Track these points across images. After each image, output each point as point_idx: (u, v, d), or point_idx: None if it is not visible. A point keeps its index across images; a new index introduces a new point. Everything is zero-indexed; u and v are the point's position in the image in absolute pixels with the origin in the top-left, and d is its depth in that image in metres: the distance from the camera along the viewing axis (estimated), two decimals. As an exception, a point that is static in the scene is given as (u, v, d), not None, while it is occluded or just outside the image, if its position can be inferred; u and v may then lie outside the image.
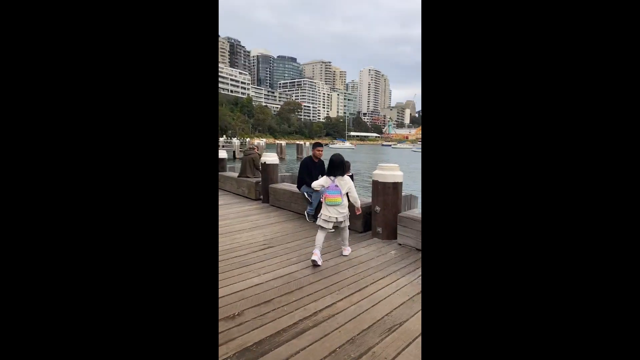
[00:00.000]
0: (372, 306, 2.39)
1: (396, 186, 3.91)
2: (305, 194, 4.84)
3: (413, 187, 13.36)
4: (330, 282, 2.78)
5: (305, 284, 2.75)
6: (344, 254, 3.42)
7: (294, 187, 5.36)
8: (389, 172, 3.90)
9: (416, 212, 3.84)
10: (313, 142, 5.37)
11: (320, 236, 3.26)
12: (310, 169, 4.79)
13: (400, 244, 3.76)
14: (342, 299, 2.49)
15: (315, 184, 3.41)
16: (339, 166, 3.28)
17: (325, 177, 3.38)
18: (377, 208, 3.96)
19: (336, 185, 3.24)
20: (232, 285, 2.69)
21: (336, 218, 3.25)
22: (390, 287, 2.73)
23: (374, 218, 4.03)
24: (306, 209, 4.89)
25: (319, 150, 4.83)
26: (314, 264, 3.11)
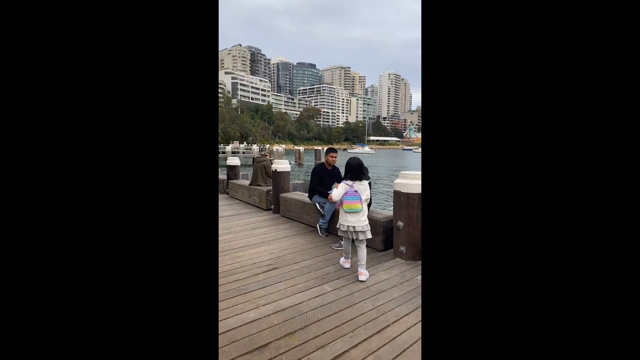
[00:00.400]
0: (396, 357, 1.85)
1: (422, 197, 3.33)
2: (317, 204, 4.34)
3: None
4: (343, 319, 2.25)
5: (312, 320, 2.23)
6: (360, 279, 2.89)
7: (305, 197, 4.87)
8: (414, 182, 3.33)
9: (447, 228, 3.24)
10: (327, 147, 4.87)
11: (346, 245, 3.12)
12: (322, 177, 4.29)
13: (427, 267, 3.17)
14: (356, 345, 1.96)
15: (334, 195, 3.01)
16: (357, 169, 2.95)
17: (342, 183, 2.97)
18: (400, 223, 3.40)
19: (355, 191, 2.90)
20: (223, 321, 2.21)
21: (354, 227, 2.89)
22: (418, 329, 2.16)
23: (396, 235, 3.47)
24: (318, 221, 4.39)
25: (332, 157, 4.32)
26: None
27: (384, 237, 3.67)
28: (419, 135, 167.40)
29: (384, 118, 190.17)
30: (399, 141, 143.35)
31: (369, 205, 3.71)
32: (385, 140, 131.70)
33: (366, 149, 72.64)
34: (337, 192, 3.01)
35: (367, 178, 3.42)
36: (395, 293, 2.66)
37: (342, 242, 3.22)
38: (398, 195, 3.43)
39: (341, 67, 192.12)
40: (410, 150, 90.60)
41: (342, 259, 3.29)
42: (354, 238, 2.99)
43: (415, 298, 2.57)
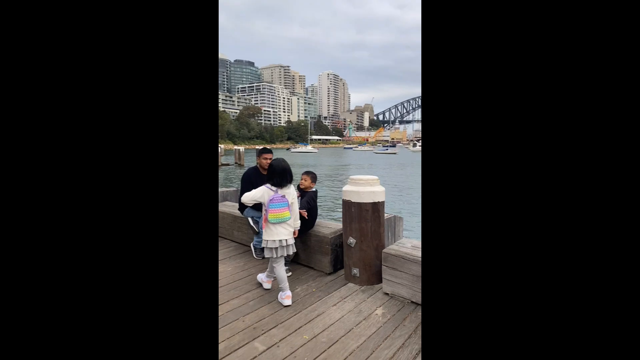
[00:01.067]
0: None
1: (377, 208, 2.71)
2: (250, 219, 3.49)
3: (394, 204, 12.42)
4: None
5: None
6: (285, 304, 2.39)
7: (236, 209, 3.96)
8: (366, 189, 2.69)
9: (408, 244, 2.66)
10: (260, 147, 4.00)
11: (280, 270, 2.46)
12: (255, 184, 3.44)
13: (387, 294, 2.56)
14: None
15: (246, 197, 2.39)
16: (281, 174, 2.42)
17: (263, 187, 2.43)
18: (352, 240, 2.74)
19: (282, 196, 2.40)
20: None
21: (286, 241, 2.42)
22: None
23: (347, 254, 2.80)
24: (253, 240, 3.55)
25: (265, 159, 3.47)
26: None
27: (333, 257, 2.99)
28: (358, 134, 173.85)
29: (325, 117, 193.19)
30: (340, 140, 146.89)
31: (314, 217, 3.02)
32: (327, 139, 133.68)
33: (309, 147, 72.56)
34: (250, 194, 2.39)
35: (313, 185, 3.06)
36: (351, 342, 1.97)
37: (276, 270, 2.47)
38: (348, 206, 2.76)
39: (281, 66, 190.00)
40: (351, 148, 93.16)
41: (262, 276, 2.74)
42: (287, 255, 2.44)
43: (380, 347, 1.91)
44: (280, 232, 2.39)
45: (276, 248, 2.40)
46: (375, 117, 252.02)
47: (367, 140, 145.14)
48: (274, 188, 2.39)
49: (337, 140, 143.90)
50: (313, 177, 3.08)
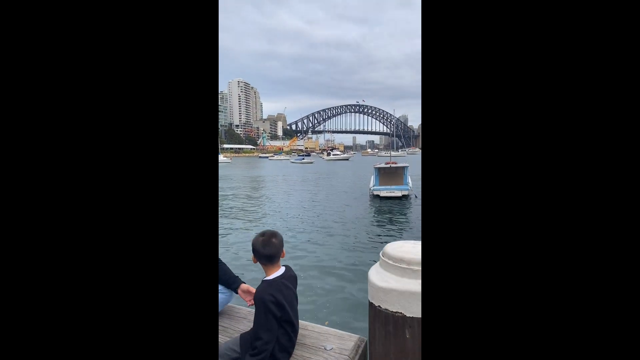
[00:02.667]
0: None
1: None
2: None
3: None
4: None
5: None
6: None
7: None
8: (412, 285, 1.35)
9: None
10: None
11: None
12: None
13: None
14: None
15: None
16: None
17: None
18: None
19: None
20: None
21: None
22: None
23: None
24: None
25: None
26: None
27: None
28: (272, 143, 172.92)
29: (237, 126, 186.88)
30: (254, 149, 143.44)
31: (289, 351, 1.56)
32: (240, 148, 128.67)
33: (221, 157, 67.90)
34: None
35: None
36: None
37: None
38: (380, 316, 1.37)
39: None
40: (267, 157, 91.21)
41: None
42: None
43: None
44: None
45: None
46: (288, 127, 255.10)
47: (282, 149, 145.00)
48: None
49: (251, 149, 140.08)
50: (276, 241, 1.56)
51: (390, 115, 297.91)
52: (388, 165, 15.87)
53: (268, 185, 22.07)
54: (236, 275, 1.82)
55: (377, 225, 10.01)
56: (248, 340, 1.47)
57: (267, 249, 1.48)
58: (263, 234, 1.51)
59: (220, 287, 1.76)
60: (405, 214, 11.44)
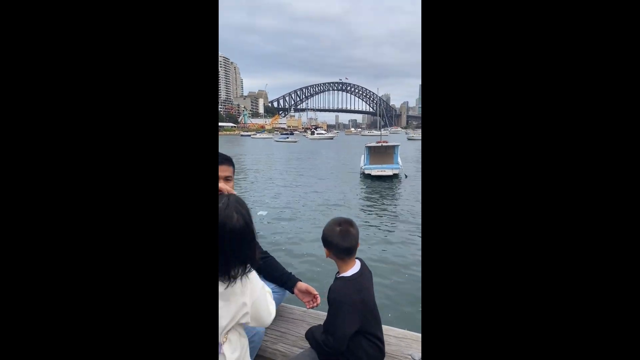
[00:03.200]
0: None
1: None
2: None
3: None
4: None
5: None
6: None
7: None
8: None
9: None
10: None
11: None
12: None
13: None
14: None
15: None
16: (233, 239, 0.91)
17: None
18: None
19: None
20: None
21: None
22: None
23: None
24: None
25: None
26: None
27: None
28: (254, 120, 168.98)
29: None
30: (235, 127, 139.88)
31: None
32: (221, 126, 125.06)
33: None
34: None
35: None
36: None
37: None
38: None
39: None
40: (249, 136, 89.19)
41: None
42: None
43: None
44: None
45: None
46: (270, 104, 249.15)
47: (264, 127, 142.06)
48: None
49: (232, 127, 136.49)
50: (354, 231, 1.30)
51: (374, 94, 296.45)
52: (379, 144, 15.69)
53: (258, 165, 21.49)
54: (289, 271, 1.52)
55: (371, 202, 9.94)
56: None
57: (346, 240, 1.18)
58: (339, 223, 1.20)
59: (272, 286, 1.45)
60: (394, 194, 11.42)
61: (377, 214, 8.61)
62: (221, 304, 0.90)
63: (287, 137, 63.09)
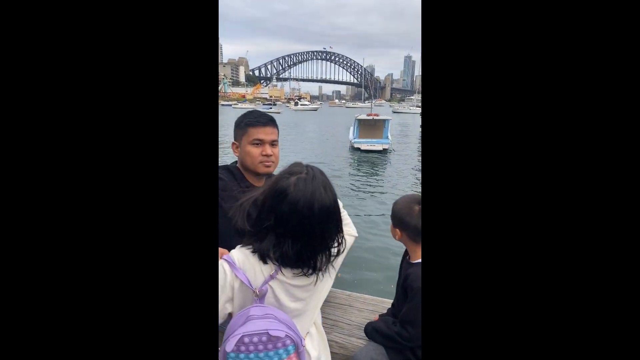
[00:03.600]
0: None
1: None
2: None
3: None
4: None
5: None
6: None
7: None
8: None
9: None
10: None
11: None
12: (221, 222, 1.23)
13: None
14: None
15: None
16: (303, 222, 0.73)
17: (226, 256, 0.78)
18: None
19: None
20: None
21: None
22: None
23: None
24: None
25: (257, 142, 1.26)
26: None
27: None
28: (234, 89, 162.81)
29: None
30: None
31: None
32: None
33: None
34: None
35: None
36: None
37: None
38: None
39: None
40: (230, 105, 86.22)
41: None
42: None
43: None
44: None
45: None
46: (251, 72, 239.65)
47: (245, 97, 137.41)
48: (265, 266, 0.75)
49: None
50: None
51: (359, 64, 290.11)
52: (370, 117, 15.41)
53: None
54: None
55: (363, 175, 9.93)
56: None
57: (420, 220, 1.02)
58: (418, 202, 1.03)
59: None
60: (385, 167, 11.46)
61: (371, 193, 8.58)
62: (300, 305, 0.74)
63: (270, 108, 61.37)
